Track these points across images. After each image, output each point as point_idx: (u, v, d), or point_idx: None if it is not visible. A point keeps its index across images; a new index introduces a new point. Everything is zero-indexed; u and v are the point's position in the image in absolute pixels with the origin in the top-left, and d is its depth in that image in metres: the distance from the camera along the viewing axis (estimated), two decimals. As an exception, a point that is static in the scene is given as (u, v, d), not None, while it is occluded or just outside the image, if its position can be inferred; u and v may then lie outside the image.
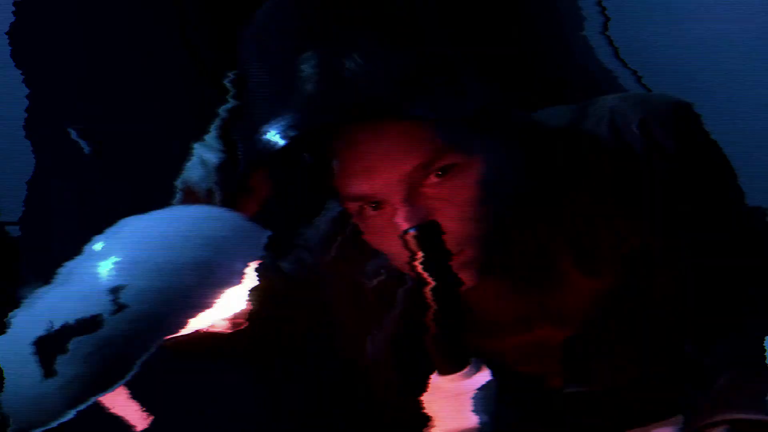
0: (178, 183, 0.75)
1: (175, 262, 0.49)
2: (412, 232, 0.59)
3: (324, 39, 0.65)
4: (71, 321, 0.46)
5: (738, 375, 0.68)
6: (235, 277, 0.51)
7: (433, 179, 0.67)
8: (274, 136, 0.64)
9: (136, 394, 0.54)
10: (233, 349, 0.88)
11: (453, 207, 0.68)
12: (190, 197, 0.74)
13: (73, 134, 1.71)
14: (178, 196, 0.75)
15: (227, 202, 0.71)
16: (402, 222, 0.67)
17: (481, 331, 0.85)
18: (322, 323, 0.93)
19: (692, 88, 1.43)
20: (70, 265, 0.53)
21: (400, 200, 0.67)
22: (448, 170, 0.67)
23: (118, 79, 1.79)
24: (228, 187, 0.71)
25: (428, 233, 0.60)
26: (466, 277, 0.71)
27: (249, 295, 0.57)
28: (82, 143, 1.72)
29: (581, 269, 0.77)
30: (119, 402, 0.54)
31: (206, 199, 0.72)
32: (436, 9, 0.71)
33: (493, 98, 0.71)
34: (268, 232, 0.57)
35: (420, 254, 0.59)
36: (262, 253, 0.55)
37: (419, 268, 0.60)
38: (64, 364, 0.46)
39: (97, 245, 0.52)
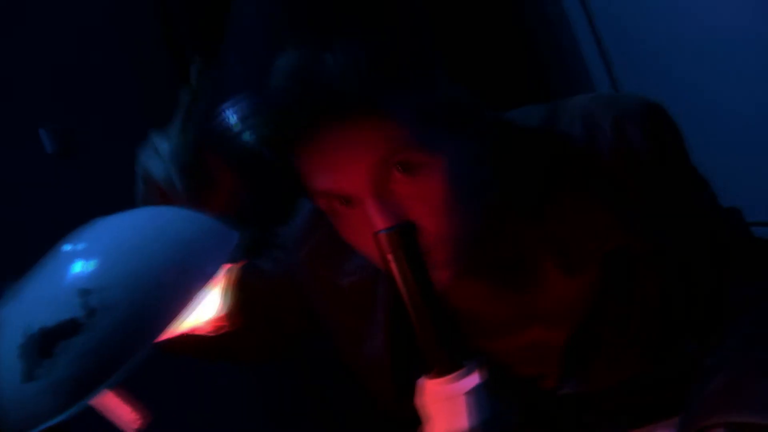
0: (139, 172, 0.73)
1: (145, 264, 0.47)
2: (383, 233, 0.57)
3: (303, 36, 0.65)
4: (49, 324, 0.44)
5: (735, 376, 0.67)
6: (207, 280, 0.48)
7: (397, 176, 0.66)
8: (229, 117, 0.64)
9: (130, 396, 0.52)
10: (224, 350, 0.85)
11: (424, 205, 0.67)
12: (151, 187, 0.72)
13: (42, 133, 1.67)
14: (140, 186, 0.73)
15: (191, 194, 0.69)
16: (376, 219, 0.66)
17: (475, 333, 0.84)
18: (311, 325, 0.91)
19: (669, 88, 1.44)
20: (39, 267, 0.50)
21: (368, 196, 0.66)
22: (413, 167, 0.66)
23: (96, 79, 1.77)
24: (186, 176, 0.69)
25: (401, 234, 0.57)
26: (443, 277, 0.70)
27: (227, 297, 0.55)
28: (50, 142, 1.68)
29: (562, 269, 0.76)
30: (112, 404, 0.51)
31: (167, 189, 0.69)
32: (411, 5, 0.70)
33: (463, 93, 0.71)
34: (237, 233, 0.54)
35: (390, 256, 0.57)
36: (231, 254, 0.53)
37: (394, 270, 0.57)
38: (47, 368, 0.44)
39: (66, 246, 0.50)
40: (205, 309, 0.54)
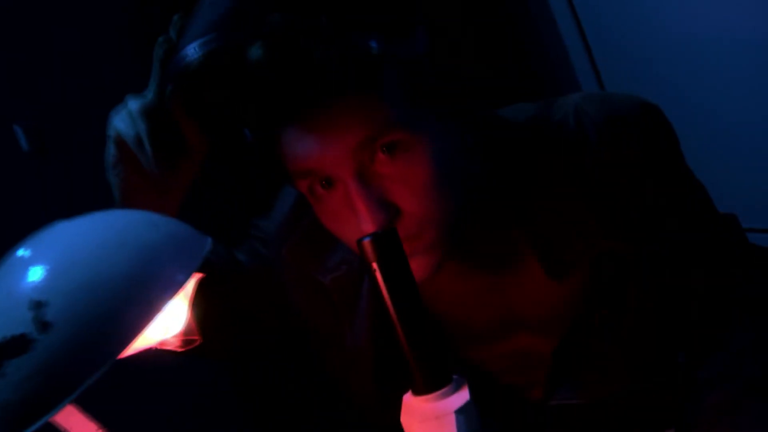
0: (109, 132, 0.68)
1: (107, 273, 0.42)
2: (367, 240, 0.53)
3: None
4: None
5: (731, 393, 0.64)
6: (174, 290, 0.43)
7: (381, 156, 0.63)
8: (191, 50, 0.59)
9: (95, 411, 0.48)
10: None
11: (407, 186, 0.64)
12: (121, 150, 0.67)
13: (17, 130, 1.62)
14: (110, 148, 0.68)
15: (159, 157, 0.64)
16: (357, 200, 0.62)
17: (458, 341, 0.80)
18: (289, 323, 0.86)
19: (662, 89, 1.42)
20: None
21: (350, 176, 0.63)
22: (396, 148, 0.63)
23: (73, 76, 1.71)
24: (155, 136, 0.64)
25: (385, 240, 0.53)
26: (428, 263, 0.67)
27: (197, 306, 0.50)
28: (24, 140, 1.63)
29: (549, 271, 0.73)
30: (73, 421, 0.47)
31: (137, 151, 0.64)
32: None
33: (451, 77, 0.68)
34: (210, 240, 0.50)
35: (375, 264, 0.53)
36: (201, 262, 0.48)
37: (379, 278, 0.53)
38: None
39: (21, 251, 0.44)
40: (173, 322, 0.49)
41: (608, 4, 1.61)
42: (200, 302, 0.53)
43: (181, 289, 0.42)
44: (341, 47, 0.58)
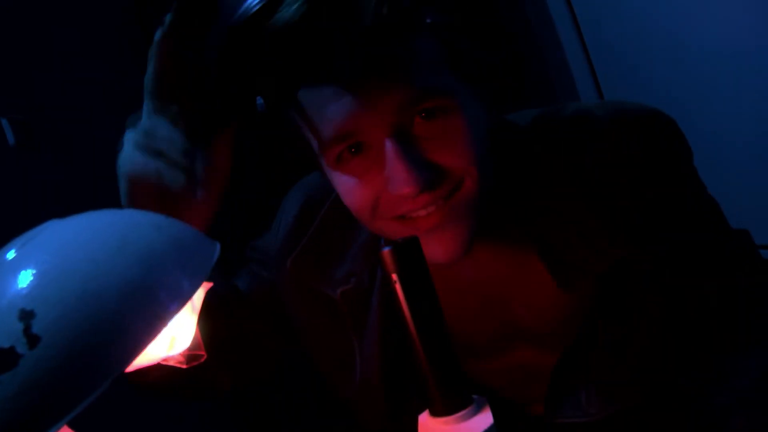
0: (120, 171, 0.60)
1: (105, 281, 0.36)
2: (387, 249, 0.48)
3: None
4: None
5: (754, 419, 0.61)
6: (181, 301, 0.38)
7: (418, 120, 0.61)
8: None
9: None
10: (196, 382, 0.76)
11: (447, 144, 0.62)
12: (137, 186, 0.59)
13: (4, 123, 1.56)
14: (123, 186, 0.61)
15: (191, 179, 0.58)
16: (396, 162, 0.59)
17: (459, 353, 0.76)
18: (292, 346, 0.82)
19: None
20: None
21: (389, 137, 0.60)
22: (434, 112, 0.61)
23: (62, 69, 1.66)
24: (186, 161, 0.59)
25: (407, 249, 0.49)
26: (460, 235, 0.64)
27: (204, 322, 0.45)
28: (10, 134, 1.57)
29: (554, 282, 0.69)
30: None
31: (156, 182, 0.58)
32: None
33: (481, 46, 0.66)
34: (218, 244, 0.45)
35: (396, 276, 0.49)
36: (211, 269, 0.43)
37: (399, 291, 0.49)
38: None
39: (10, 253, 0.39)
40: (179, 336, 0.44)
41: (608, 11, 1.59)
42: (202, 328, 0.48)
43: (188, 299, 0.37)
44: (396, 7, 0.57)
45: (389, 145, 0.60)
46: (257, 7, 0.58)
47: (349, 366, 0.78)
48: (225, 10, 0.58)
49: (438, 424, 0.50)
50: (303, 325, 0.81)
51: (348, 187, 0.64)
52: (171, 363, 0.45)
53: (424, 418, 0.51)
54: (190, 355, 0.45)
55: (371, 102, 0.59)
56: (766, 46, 1.26)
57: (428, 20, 0.60)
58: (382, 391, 0.76)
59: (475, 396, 0.51)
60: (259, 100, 0.65)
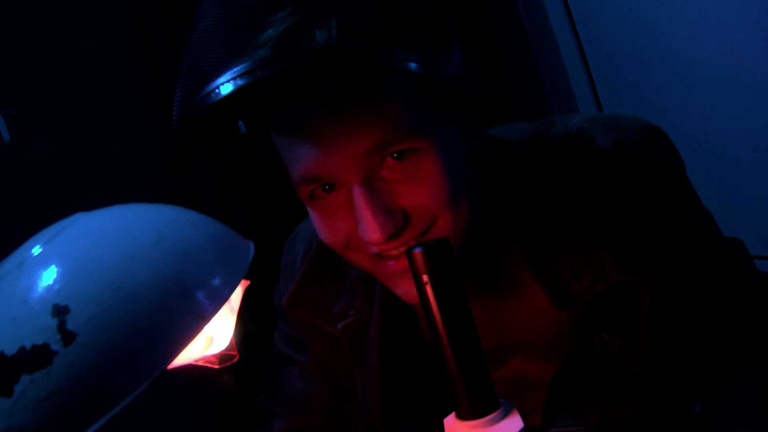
0: None
1: (142, 277, 0.34)
2: (418, 250, 0.47)
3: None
4: (9, 350, 0.31)
5: (759, 428, 0.60)
6: (220, 299, 0.36)
7: (390, 161, 0.58)
8: (221, 84, 0.50)
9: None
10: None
11: (417, 187, 0.58)
12: None
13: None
14: None
15: None
16: (363, 207, 0.57)
17: None
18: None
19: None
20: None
21: (357, 181, 0.57)
22: (405, 153, 0.57)
23: (56, 64, 1.62)
24: None
25: (439, 250, 0.48)
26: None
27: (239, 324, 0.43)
28: (5, 130, 1.53)
29: (549, 300, 0.67)
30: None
31: None
32: None
33: (469, 80, 0.62)
34: (251, 243, 0.43)
35: (427, 277, 0.47)
36: (247, 267, 0.41)
37: (429, 293, 0.48)
38: (1, 412, 0.31)
39: (35, 248, 0.36)
40: (216, 336, 0.41)
41: (607, 19, 1.59)
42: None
43: (228, 298, 0.35)
44: (384, 64, 0.52)
45: (357, 191, 0.58)
46: (198, 106, 0.53)
47: (352, 392, 0.79)
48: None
49: (466, 428, 0.48)
50: (318, 356, 0.82)
51: (321, 222, 0.63)
52: (201, 363, 0.42)
53: (450, 422, 0.50)
54: (223, 355, 0.43)
55: (337, 146, 0.56)
56: (764, 57, 1.26)
57: (397, 54, 0.53)
58: (381, 417, 0.76)
59: (501, 400, 0.50)
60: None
